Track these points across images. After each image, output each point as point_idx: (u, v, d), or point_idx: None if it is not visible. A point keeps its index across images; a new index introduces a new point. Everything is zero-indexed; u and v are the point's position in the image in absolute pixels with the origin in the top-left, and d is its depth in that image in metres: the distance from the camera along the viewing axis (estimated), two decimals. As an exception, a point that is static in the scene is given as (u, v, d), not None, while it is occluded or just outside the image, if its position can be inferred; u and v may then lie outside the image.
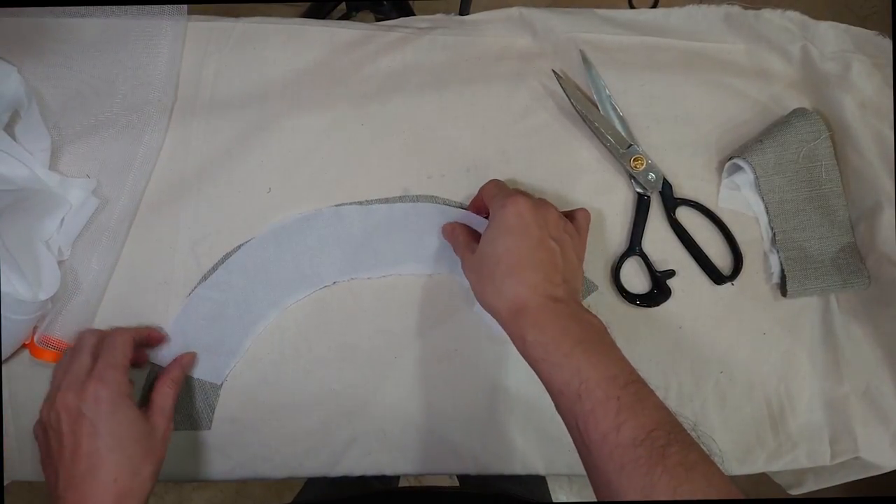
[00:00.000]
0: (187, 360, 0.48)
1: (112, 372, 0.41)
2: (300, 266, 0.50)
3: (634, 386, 0.37)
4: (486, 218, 0.47)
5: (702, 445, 0.36)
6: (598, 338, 0.40)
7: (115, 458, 0.39)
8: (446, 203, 0.52)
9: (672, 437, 0.35)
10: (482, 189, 0.49)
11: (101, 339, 0.44)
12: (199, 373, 0.49)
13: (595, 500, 0.38)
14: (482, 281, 0.44)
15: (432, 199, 0.51)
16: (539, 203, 0.44)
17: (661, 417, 0.36)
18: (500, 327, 0.43)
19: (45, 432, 0.42)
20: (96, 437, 0.39)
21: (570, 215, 0.48)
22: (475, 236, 0.47)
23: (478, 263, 0.45)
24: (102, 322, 0.49)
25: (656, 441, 0.34)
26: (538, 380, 0.51)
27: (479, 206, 0.50)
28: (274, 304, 0.50)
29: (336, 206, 0.51)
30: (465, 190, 0.52)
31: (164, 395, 0.45)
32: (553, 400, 0.40)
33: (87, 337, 0.44)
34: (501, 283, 0.42)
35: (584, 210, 0.49)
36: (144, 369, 0.48)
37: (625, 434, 0.35)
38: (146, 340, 0.48)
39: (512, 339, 0.42)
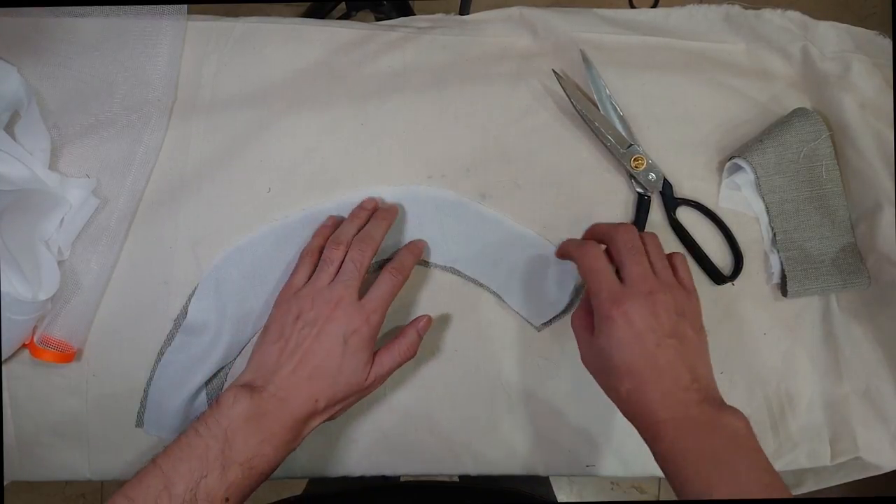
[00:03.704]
0: (423, 325, 0.48)
1: (378, 316, 0.44)
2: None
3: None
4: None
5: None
6: (732, 449, 0.38)
7: (326, 386, 0.42)
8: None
9: None
10: (579, 264, 0.45)
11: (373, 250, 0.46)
12: None
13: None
14: (609, 391, 0.43)
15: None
16: (647, 299, 0.41)
17: None
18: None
19: (293, 314, 0.43)
20: (329, 359, 0.42)
21: (671, 264, 0.45)
22: (589, 319, 0.44)
23: (597, 367, 0.43)
24: (102, 322, 0.49)
25: None
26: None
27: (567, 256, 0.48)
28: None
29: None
30: (466, 190, 0.52)
31: (382, 364, 0.45)
32: None
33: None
34: (629, 399, 0.41)
35: (678, 254, 0.46)
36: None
37: None
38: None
39: (647, 444, 0.41)
